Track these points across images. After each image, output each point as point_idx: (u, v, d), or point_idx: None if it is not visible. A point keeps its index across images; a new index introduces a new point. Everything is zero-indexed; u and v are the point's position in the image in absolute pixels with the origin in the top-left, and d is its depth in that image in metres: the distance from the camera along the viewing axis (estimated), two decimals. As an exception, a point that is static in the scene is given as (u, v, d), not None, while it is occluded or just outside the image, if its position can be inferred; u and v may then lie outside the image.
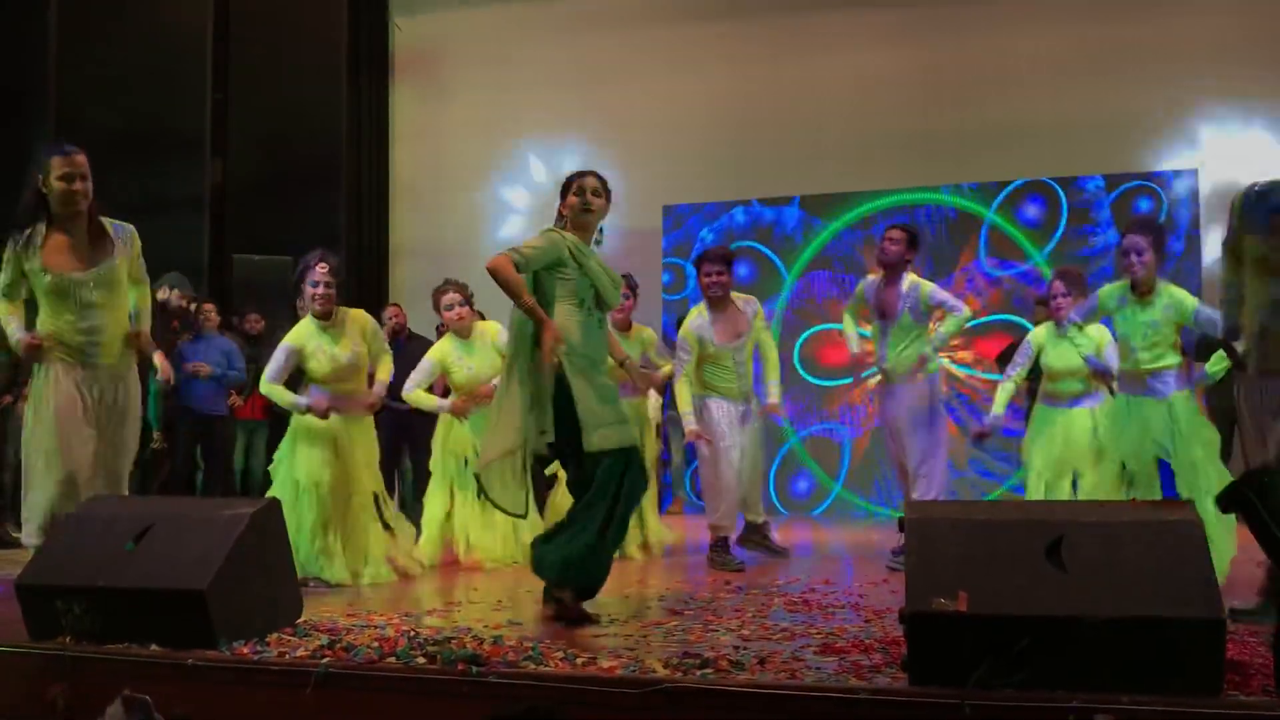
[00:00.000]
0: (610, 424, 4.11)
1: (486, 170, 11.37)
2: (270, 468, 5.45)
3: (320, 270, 5.31)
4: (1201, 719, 2.60)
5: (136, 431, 4.54)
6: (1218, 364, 5.41)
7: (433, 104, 11.85)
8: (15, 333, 4.36)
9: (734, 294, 6.17)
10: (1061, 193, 9.50)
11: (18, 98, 8.60)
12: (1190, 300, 4.96)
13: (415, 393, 6.06)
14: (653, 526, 6.51)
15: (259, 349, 8.66)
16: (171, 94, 9.46)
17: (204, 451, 8.23)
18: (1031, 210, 9.57)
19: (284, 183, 10.62)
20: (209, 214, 10.10)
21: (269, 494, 5.16)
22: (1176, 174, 9.26)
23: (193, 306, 8.17)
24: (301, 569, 5.06)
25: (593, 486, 4.07)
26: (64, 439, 4.27)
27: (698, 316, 6.10)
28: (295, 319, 8.98)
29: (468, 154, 11.48)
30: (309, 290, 5.34)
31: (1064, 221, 9.47)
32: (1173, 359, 4.92)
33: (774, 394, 6.23)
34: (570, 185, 4.31)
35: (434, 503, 6.08)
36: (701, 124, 10.44)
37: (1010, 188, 9.63)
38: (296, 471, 5.23)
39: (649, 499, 6.28)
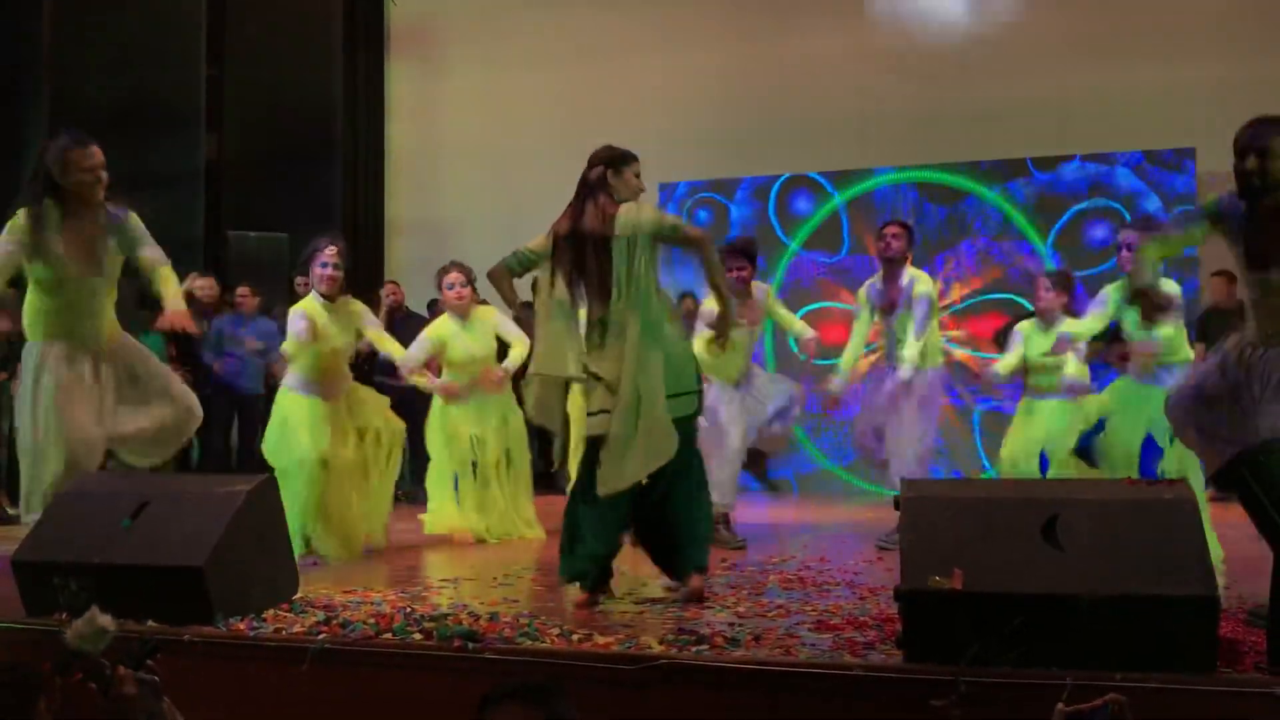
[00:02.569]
0: None
1: (483, 146, 11.31)
2: (265, 447, 5.44)
3: (330, 253, 5.45)
4: (1195, 696, 2.61)
5: (158, 366, 4.57)
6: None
7: (429, 79, 11.78)
8: None
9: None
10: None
11: (12, 72, 8.54)
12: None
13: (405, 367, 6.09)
14: None
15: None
16: (166, 69, 9.38)
17: (240, 429, 8.26)
18: (1026, 188, 9.54)
19: (280, 159, 10.55)
20: (204, 190, 10.05)
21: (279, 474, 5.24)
22: (1176, 153, 9.22)
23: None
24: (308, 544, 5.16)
25: (682, 460, 4.04)
26: (68, 419, 4.23)
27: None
28: (293, 296, 9.00)
29: (464, 129, 11.43)
30: (317, 271, 5.44)
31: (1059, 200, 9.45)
32: (1183, 353, 4.97)
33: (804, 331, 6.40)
34: (630, 163, 4.17)
35: (437, 483, 6.12)
36: (699, 100, 10.39)
37: (1007, 165, 9.61)
38: (299, 450, 5.25)
39: None
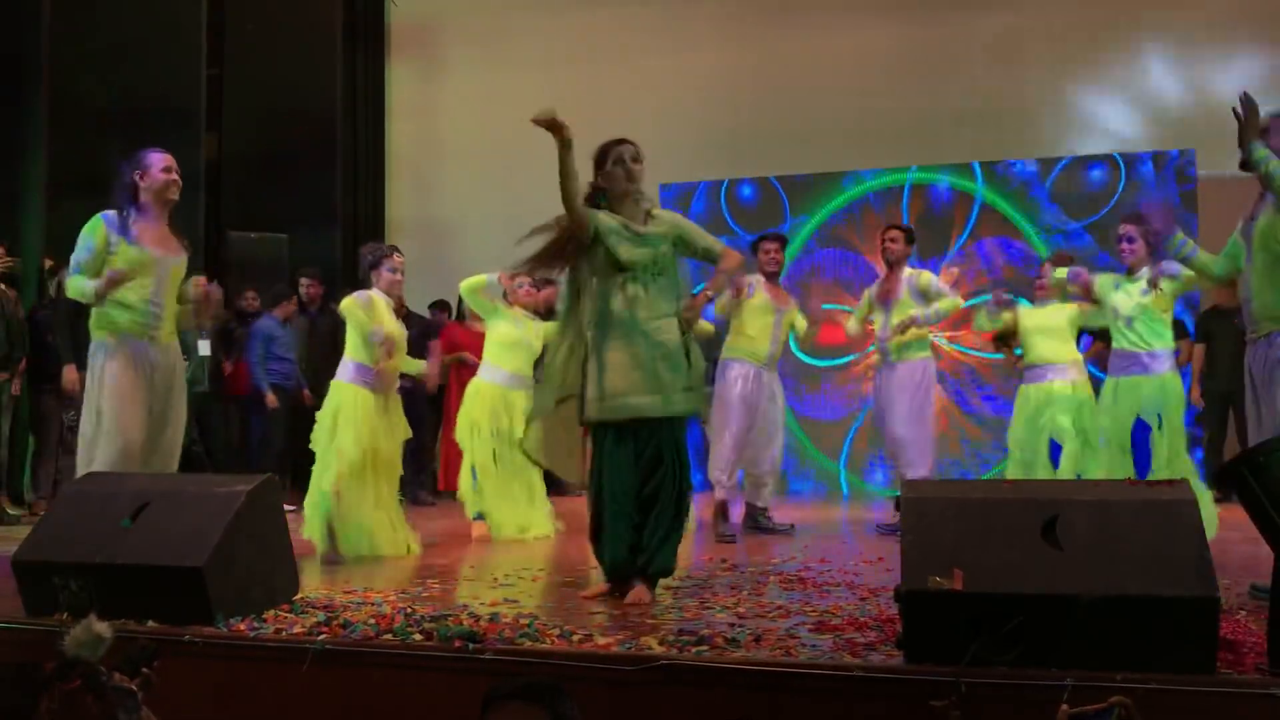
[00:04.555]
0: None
1: (483, 146, 11.31)
2: (315, 433, 5.51)
3: (399, 260, 5.76)
4: (1194, 697, 2.61)
5: (185, 404, 4.76)
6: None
7: (429, 79, 11.79)
8: (91, 283, 4.48)
9: None
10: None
11: (11, 72, 8.53)
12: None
13: (469, 280, 6.38)
14: None
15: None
16: (166, 69, 9.36)
17: (263, 428, 8.28)
18: (1025, 189, 9.54)
19: (280, 159, 10.55)
20: (204, 190, 10.03)
21: (320, 465, 5.36)
22: (1180, 153, 9.21)
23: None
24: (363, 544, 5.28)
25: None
26: (123, 412, 4.42)
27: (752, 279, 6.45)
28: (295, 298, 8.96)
29: (464, 129, 11.43)
30: (387, 276, 5.66)
31: (1045, 200, 9.45)
32: (1166, 338, 5.08)
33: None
34: (608, 156, 4.33)
35: (466, 477, 6.24)
36: (698, 101, 10.40)
37: (1006, 166, 9.61)
38: (347, 442, 5.34)
39: None
